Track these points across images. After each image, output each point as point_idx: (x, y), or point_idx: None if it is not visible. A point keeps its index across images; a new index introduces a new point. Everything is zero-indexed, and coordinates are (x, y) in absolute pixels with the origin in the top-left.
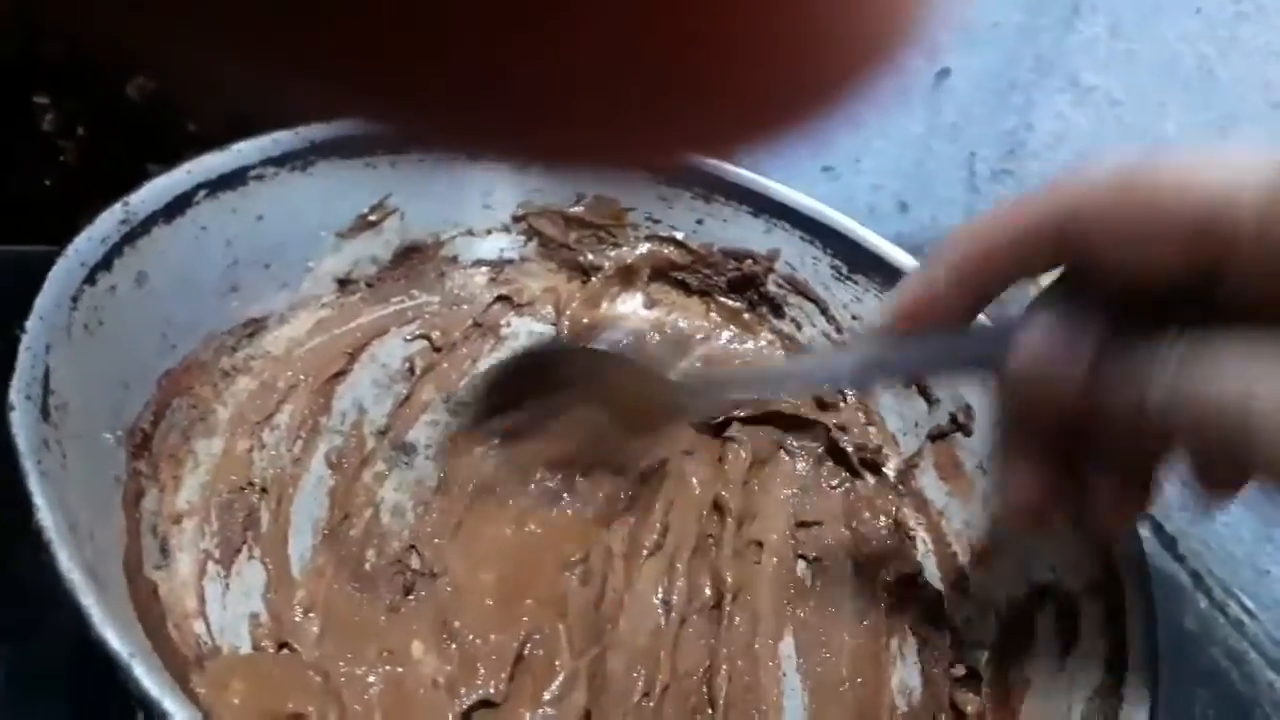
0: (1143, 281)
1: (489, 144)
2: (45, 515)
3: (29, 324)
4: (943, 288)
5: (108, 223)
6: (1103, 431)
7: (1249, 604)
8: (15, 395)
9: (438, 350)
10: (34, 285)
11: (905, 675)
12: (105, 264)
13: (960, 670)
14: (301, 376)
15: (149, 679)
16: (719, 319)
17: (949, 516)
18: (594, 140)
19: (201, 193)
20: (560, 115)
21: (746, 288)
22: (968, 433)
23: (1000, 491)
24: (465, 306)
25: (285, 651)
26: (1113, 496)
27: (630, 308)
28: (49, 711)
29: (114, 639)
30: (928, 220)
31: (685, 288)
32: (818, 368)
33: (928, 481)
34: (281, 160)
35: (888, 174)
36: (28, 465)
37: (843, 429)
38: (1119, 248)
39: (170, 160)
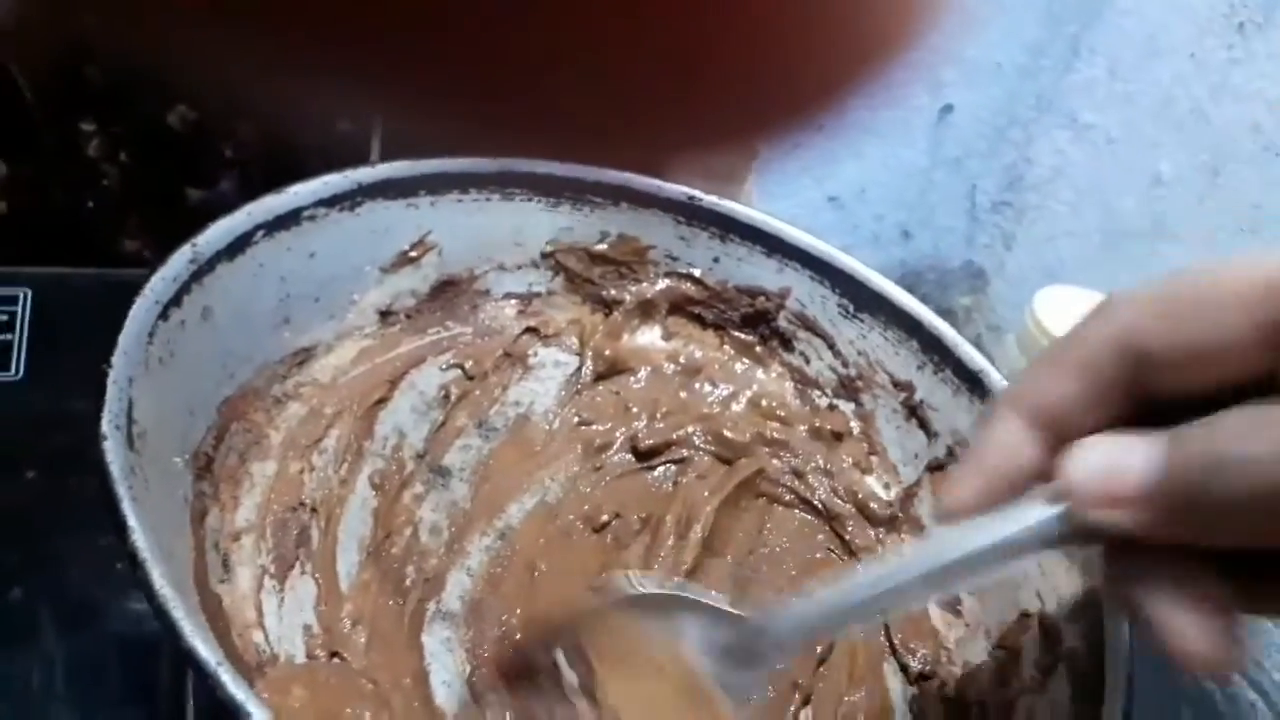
0: (1208, 376)
1: (514, 142)
2: (139, 537)
3: (114, 359)
4: (1025, 450)
5: (178, 263)
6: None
7: None
8: (106, 426)
9: (470, 378)
10: (79, 306)
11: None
12: (176, 300)
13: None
14: (347, 403)
15: (234, 685)
16: (732, 351)
17: None
18: (614, 139)
19: (260, 232)
20: (581, 112)
21: (758, 323)
22: None
23: (1171, 648)
24: (496, 337)
25: (337, 660)
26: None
27: (649, 340)
28: (105, 703)
29: (202, 649)
30: (929, 248)
31: (701, 321)
32: (902, 582)
33: (925, 510)
34: (332, 201)
35: (891, 204)
36: (120, 491)
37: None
38: (1181, 342)
39: (208, 185)
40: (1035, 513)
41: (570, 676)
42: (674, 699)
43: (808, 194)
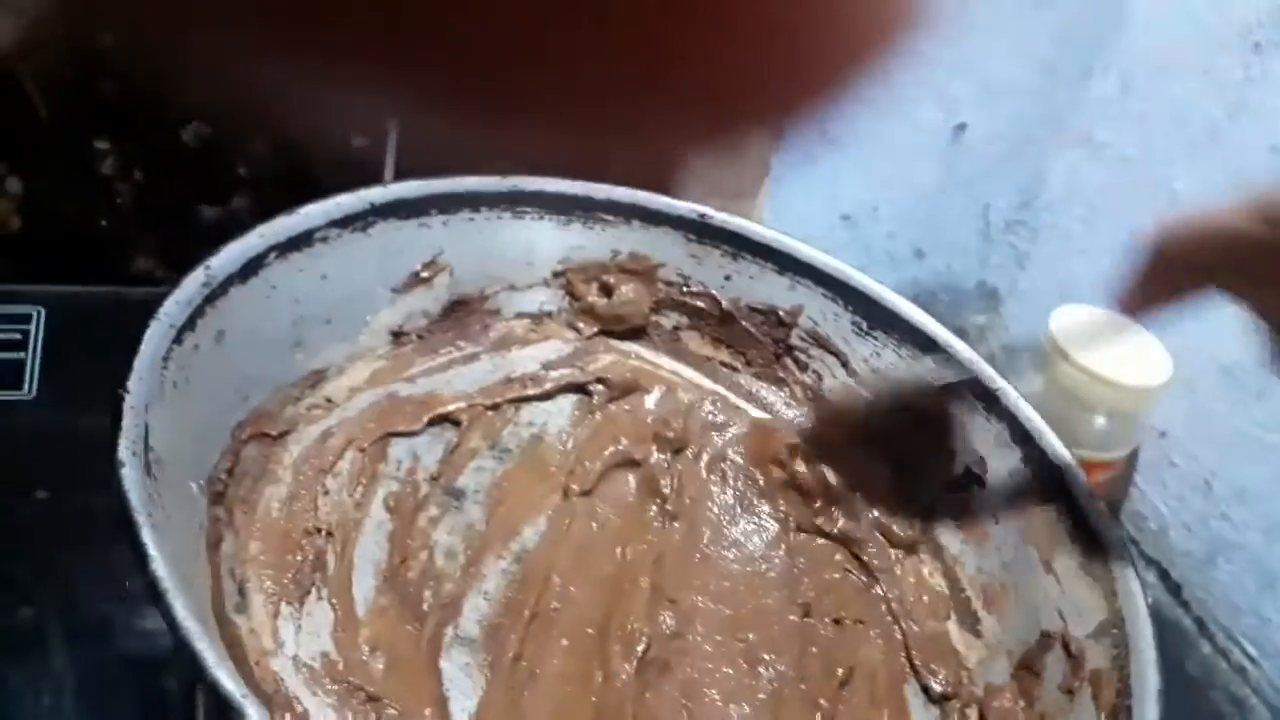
0: None
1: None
2: (159, 567)
3: (130, 384)
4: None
5: (191, 286)
6: None
7: (1251, 651)
8: (123, 453)
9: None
10: (92, 324)
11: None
12: (190, 325)
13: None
14: (362, 429)
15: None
16: (745, 370)
17: (964, 563)
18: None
19: (273, 254)
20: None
21: (772, 341)
22: (982, 485)
23: None
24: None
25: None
26: None
27: (661, 359)
28: (118, 715)
29: (227, 682)
30: (942, 267)
31: (714, 340)
32: None
33: (944, 530)
34: (344, 222)
35: (904, 223)
36: (139, 519)
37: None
38: None
39: (221, 202)
40: None
41: None
42: None
43: (820, 212)
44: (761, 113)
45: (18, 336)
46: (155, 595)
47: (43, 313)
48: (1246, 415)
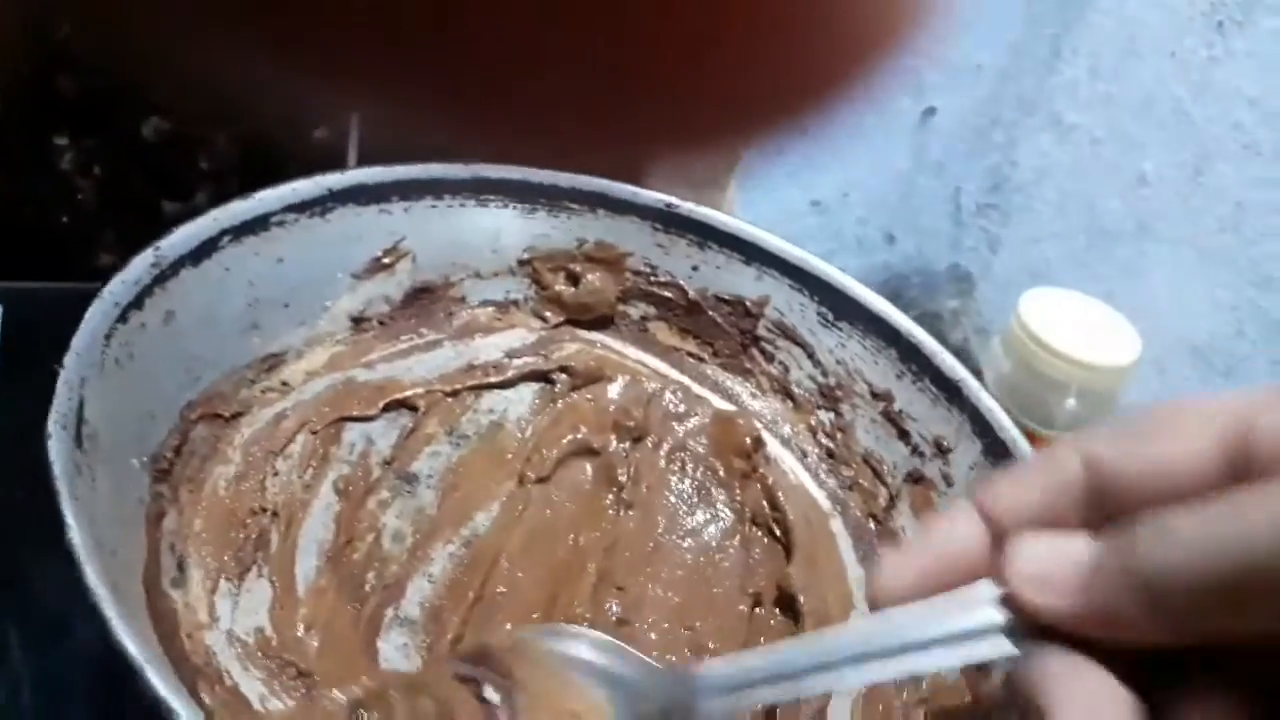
0: (1163, 489)
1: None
2: (75, 534)
3: (66, 359)
4: (973, 542)
5: (139, 266)
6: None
7: None
8: (52, 425)
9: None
10: (54, 322)
11: None
12: (137, 303)
13: None
14: (316, 412)
15: (160, 682)
16: (712, 361)
17: None
18: (592, 138)
19: (226, 238)
20: (569, 114)
21: (739, 332)
22: (949, 481)
23: None
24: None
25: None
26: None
27: (626, 348)
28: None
29: (131, 646)
30: (913, 252)
31: (681, 331)
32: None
33: (904, 522)
34: (301, 207)
35: (875, 208)
36: (61, 488)
37: None
38: (1142, 454)
39: (184, 198)
40: (976, 600)
41: (493, 696)
42: None
43: (790, 199)
44: (743, 121)
45: None
46: (71, 561)
47: (1, 310)
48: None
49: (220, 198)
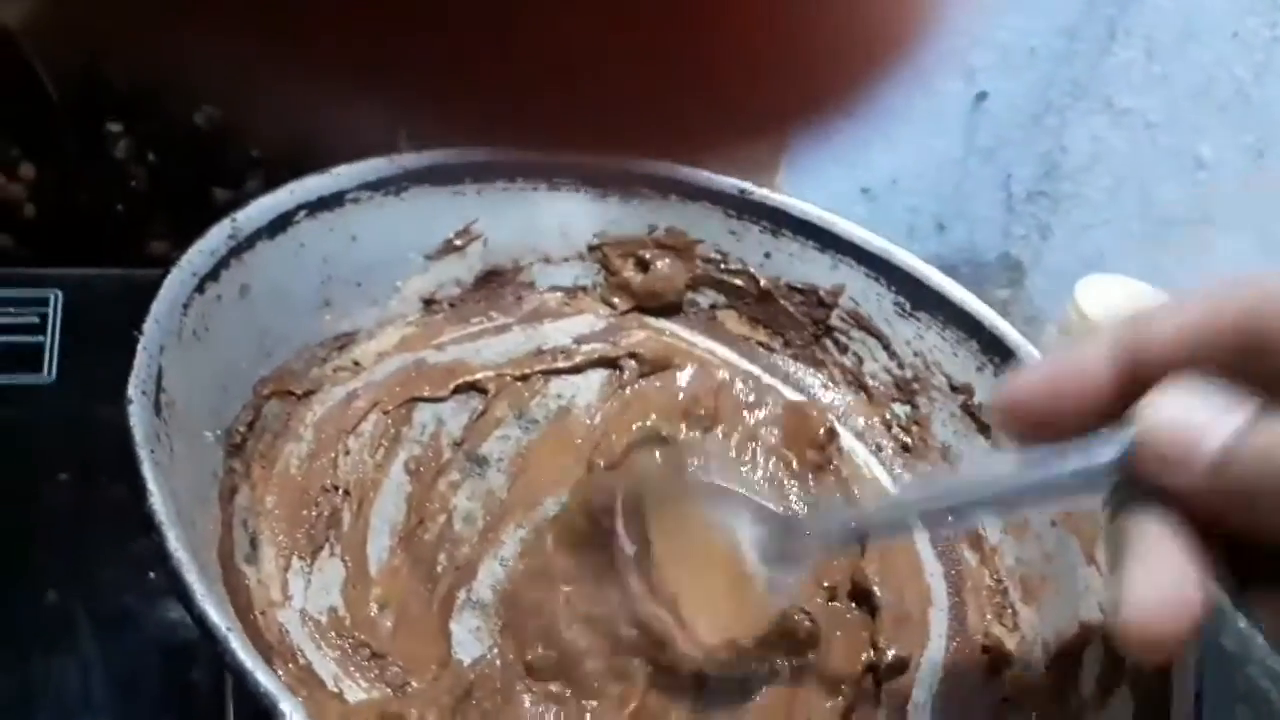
0: None
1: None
2: (156, 499)
3: (145, 326)
4: (1095, 368)
5: (217, 237)
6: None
7: None
8: (133, 391)
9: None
10: (108, 306)
11: None
12: (213, 275)
13: None
14: (387, 392)
15: (243, 652)
16: (783, 351)
17: (1002, 554)
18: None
19: (302, 213)
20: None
21: (811, 322)
22: None
23: (1124, 598)
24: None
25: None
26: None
27: (696, 338)
28: (143, 708)
29: (213, 614)
30: (964, 240)
31: (751, 320)
32: (951, 493)
33: (985, 520)
34: (377, 185)
35: (925, 195)
36: (141, 454)
37: None
38: None
39: (234, 185)
40: (1099, 451)
41: (627, 547)
42: (721, 586)
43: (839, 185)
44: (790, 103)
45: (36, 320)
46: (150, 528)
47: (60, 296)
48: None
49: (271, 185)
